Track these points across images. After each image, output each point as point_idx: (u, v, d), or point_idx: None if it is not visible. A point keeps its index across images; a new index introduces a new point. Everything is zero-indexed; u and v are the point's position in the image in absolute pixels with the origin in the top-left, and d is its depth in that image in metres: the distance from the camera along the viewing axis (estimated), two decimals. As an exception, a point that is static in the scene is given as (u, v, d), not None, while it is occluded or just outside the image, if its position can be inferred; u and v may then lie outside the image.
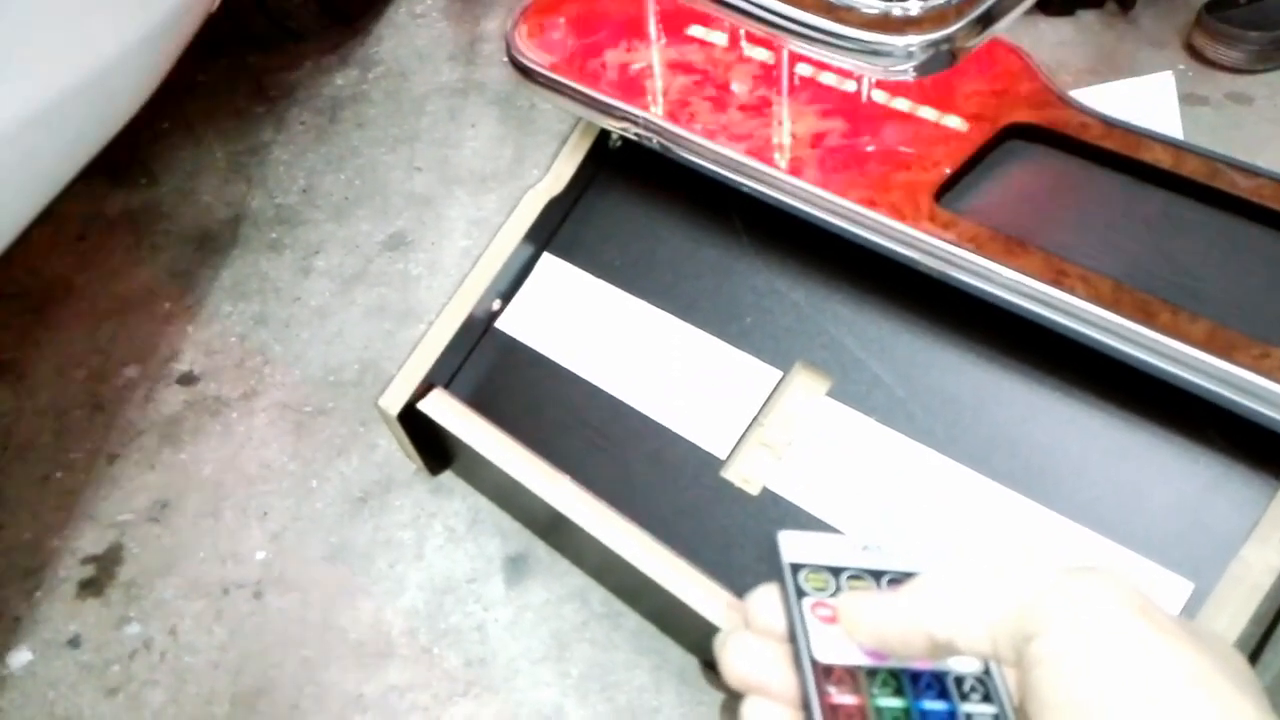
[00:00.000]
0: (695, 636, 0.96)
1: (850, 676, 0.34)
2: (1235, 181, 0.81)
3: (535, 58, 1.01)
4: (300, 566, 1.12)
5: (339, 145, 1.65)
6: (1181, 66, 1.54)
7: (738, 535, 0.89)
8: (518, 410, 1.02)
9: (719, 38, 1.01)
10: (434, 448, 1.13)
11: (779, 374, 0.92)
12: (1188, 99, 1.46)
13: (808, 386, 0.91)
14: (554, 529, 1.06)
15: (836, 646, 0.35)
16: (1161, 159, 0.83)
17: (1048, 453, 0.81)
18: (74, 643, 1.08)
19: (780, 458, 0.90)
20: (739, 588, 0.84)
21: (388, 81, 1.75)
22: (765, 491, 0.89)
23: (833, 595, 0.36)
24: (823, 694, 0.33)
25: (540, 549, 1.10)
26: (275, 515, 1.17)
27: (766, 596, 0.37)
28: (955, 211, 0.82)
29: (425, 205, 1.52)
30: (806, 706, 0.33)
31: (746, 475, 0.91)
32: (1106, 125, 0.86)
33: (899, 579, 0.36)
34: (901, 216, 0.81)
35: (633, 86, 0.96)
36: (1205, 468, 0.76)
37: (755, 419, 0.92)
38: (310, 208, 1.55)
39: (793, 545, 0.38)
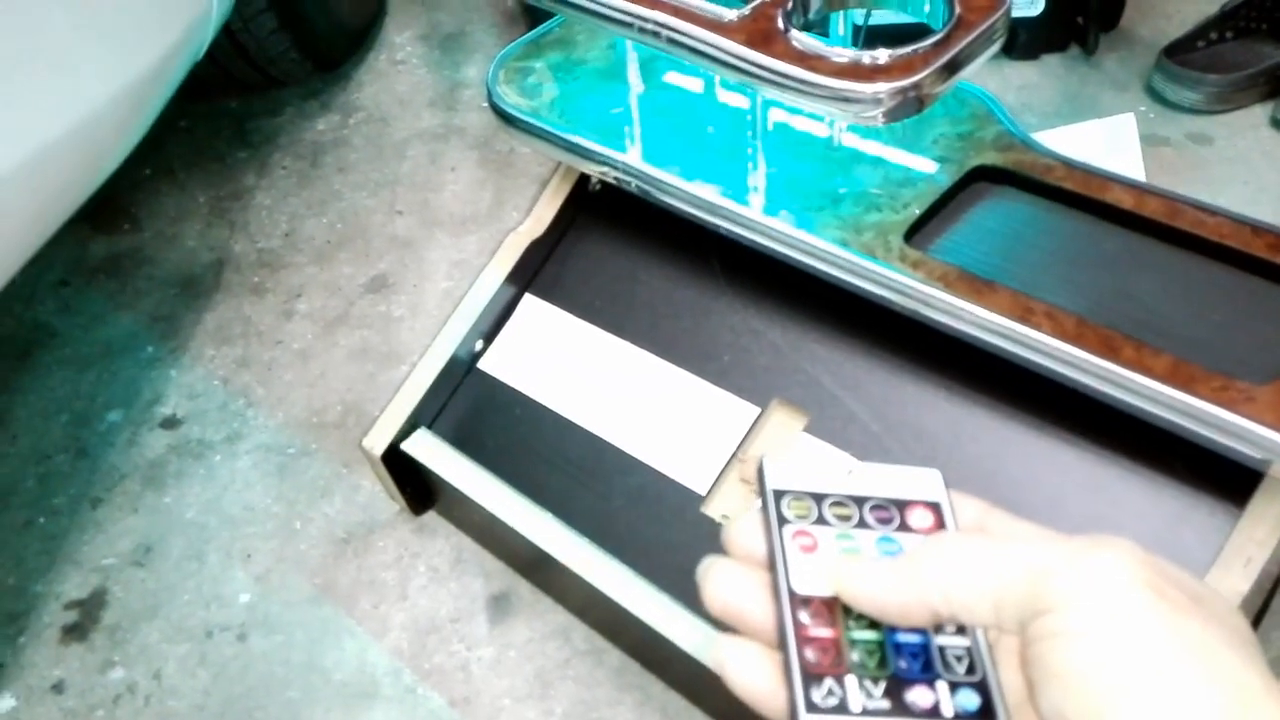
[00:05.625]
0: (677, 672, 0.97)
1: (826, 608, 0.34)
2: (1194, 220, 0.84)
3: (516, 103, 1.03)
4: (284, 608, 1.12)
5: (321, 189, 1.67)
6: (1143, 108, 1.58)
7: (719, 570, 0.90)
8: (500, 450, 1.04)
9: (695, 84, 1.04)
10: (417, 488, 1.14)
11: (757, 410, 0.94)
12: (1149, 139, 1.50)
13: (785, 423, 0.93)
14: (537, 567, 1.07)
15: (814, 577, 0.35)
16: (1122, 199, 0.86)
17: (1017, 485, 0.83)
18: (58, 688, 1.08)
19: (759, 493, 0.91)
20: (720, 623, 0.86)
21: (369, 127, 1.78)
22: (745, 526, 0.90)
23: (814, 523, 0.36)
24: (798, 626, 0.34)
25: (523, 587, 1.11)
26: (259, 557, 1.17)
27: (749, 523, 0.37)
28: (925, 251, 0.85)
29: (406, 248, 1.54)
30: (782, 637, 0.33)
31: (726, 510, 0.92)
32: (1069, 167, 0.89)
33: (882, 506, 0.37)
34: (874, 256, 0.84)
35: (611, 131, 0.99)
36: (1170, 498, 0.79)
37: (734, 455, 0.93)
38: (292, 251, 1.56)
39: (777, 472, 0.38)
